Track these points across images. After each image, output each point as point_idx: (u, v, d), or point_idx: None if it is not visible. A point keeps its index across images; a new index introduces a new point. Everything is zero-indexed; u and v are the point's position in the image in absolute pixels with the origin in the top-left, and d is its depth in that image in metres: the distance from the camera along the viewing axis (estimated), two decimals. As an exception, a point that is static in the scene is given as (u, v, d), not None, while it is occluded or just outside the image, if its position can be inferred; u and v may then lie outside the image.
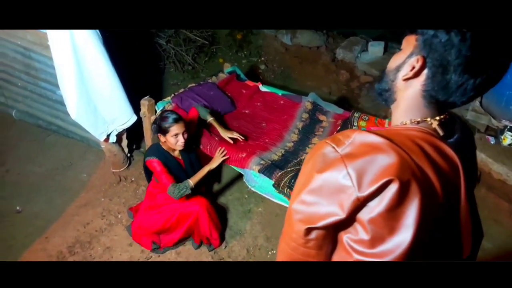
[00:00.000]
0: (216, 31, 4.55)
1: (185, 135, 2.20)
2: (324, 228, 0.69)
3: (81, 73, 2.38)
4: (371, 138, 0.68)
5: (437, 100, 0.76)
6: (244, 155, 2.35)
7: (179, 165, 2.34)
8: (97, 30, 2.32)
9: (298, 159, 2.45)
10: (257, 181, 2.26)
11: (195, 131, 2.49)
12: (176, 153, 2.35)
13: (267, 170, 2.22)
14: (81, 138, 3.13)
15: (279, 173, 2.18)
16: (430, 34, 0.72)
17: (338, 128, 2.77)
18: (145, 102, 2.66)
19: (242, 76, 3.38)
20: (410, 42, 0.77)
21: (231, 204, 2.84)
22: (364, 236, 0.66)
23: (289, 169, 2.25)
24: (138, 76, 3.62)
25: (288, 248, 0.74)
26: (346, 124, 2.77)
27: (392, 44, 4.42)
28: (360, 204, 0.65)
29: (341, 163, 0.66)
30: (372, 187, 0.63)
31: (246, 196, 2.91)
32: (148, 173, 2.44)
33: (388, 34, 5.09)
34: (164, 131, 2.17)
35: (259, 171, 2.23)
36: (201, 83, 3.06)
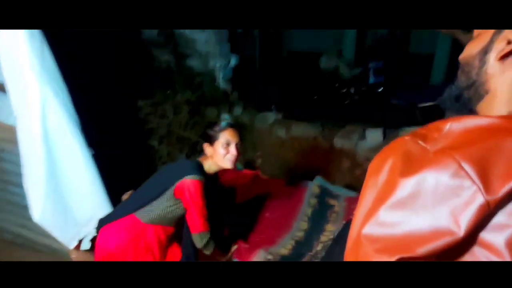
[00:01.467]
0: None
1: (238, 148, 1.79)
2: (426, 257, 0.45)
3: (51, 164, 2.06)
4: (481, 121, 0.49)
5: None
6: (246, 246, 1.91)
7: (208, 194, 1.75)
8: (75, 115, 2.08)
9: (313, 250, 2.00)
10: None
11: None
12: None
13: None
14: (51, 251, 2.65)
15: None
16: None
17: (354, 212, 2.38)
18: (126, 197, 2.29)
19: (239, 166, 3.11)
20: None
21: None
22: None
23: (304, 264, 1.79)
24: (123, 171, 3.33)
25: None
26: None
27: (390, 130, 4.30)
28: (489, 213, 0.43)
29: (445, 156, 0.44)
30: (507, 185, 0.42)
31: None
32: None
33: (385, 121, 5.05)
34: (213, 138, 1.74)
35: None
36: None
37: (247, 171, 2.97)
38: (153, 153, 3.91)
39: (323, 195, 2.56)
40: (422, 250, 0.44)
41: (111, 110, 3.55)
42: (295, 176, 3.93)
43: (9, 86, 1.92)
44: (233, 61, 5.44)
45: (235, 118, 4.88)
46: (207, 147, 1.76)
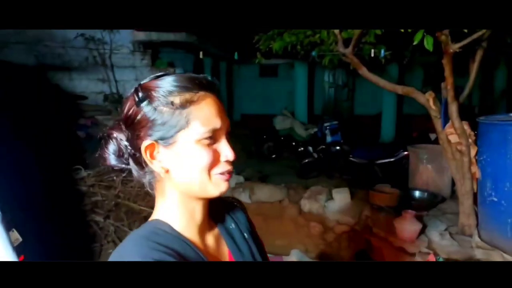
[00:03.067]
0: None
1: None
2: None
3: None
4: None
5: None
6: None
7: (195, 254, 0.75)
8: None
9: None
10: None
11: None
12: (193, 231, 0.75)
13: None
14: None
15: None
16: None
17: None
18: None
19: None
20: None
21: None
22: None
23: None
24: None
25: None
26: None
27: (356, 189, 4.16)
28: None
29: None
30: None
31: None
32: None
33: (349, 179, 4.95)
34: (168, 129, 0.69)
35: None
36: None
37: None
38: (96, 231, 3.37)
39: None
40: None
41: (45, 184, 3.06)
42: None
43: None
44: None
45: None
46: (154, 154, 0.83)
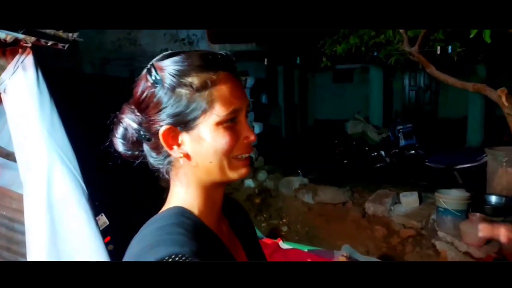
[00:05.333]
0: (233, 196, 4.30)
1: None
2: None
3: (53, 235, 1.95)
4: None
5: None
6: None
7: (219, 244, 0.74)
8: (81, 183, 2.01)
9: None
10: None
11: None
12: (213, 219, 0.72)
13: None
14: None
15: None
16: None
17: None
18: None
19: (260, 234, 2.88)
20: None
21: None
22: None
23: None
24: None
25: None
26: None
27: (427, 194, 3.96)
28: None
29: None
30: None
31: None
32: None
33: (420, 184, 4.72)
34: (188, 113, 0.66)
35: None
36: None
37: (268, 240, 2.73)
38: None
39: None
40: None
41: (122, 174, 3.53)
42: (322, 245, 3.61)
43: (18, 155, 1.91)
44: (257, 129, 5.48)
45: (259, 183, 4.73)
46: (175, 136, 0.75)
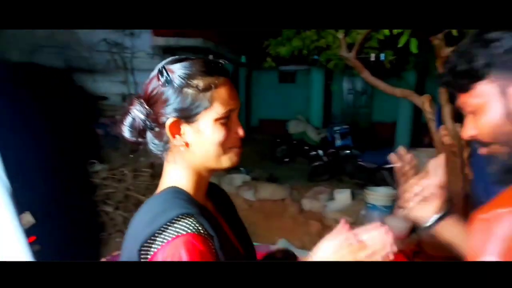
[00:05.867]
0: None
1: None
2: None
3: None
4: None
5: None
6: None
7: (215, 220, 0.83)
8: (4, 178, 1.86)
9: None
10: None
11: None
12: (201, 199, 0.84)
13: None
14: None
15: None
16: (504, 49, 0.65)
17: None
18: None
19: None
20: (481, 91, 0.68)
21: None
22: None
23: None
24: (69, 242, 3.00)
25: None
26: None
27: (359, 191, 4.23)
28: None
29: None
30: None
31: None
32: None
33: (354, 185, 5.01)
34: (192, 109, 0.77)
35: None
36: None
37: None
38: (105, 221, 3.62)
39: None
40: None
41: (61, 173, 3.34)
42: (262, 240, 3.69)
43: None
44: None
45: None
46: (175, 129, 0.80)
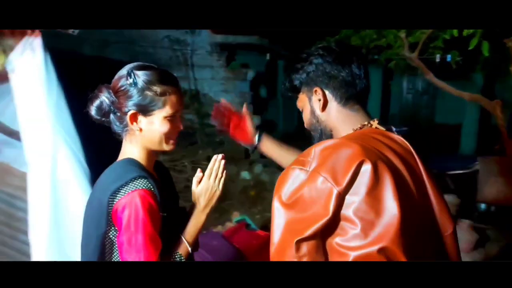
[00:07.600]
0: (228, 187, 4.37)
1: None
2: (314, 236, 0.72)
3: (56, 216, 2.01)
4: (329, 143, 0.81)
5: (351, 97, 0.95)
6: None
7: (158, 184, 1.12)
8: (85, 165, 2.07)
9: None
10: None
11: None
12: (149, 168, 1.12)
13: None
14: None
15: None
16: (305, 73, 0.96)
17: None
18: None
19: (253, 225, 2.96)
20: (301, 98, 1.01)
21: None
22: (354, 230, 0.71)
23: None
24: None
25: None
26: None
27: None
28: (341, 198, 0.72)
29: (315, 174, 0.75)
30: (347, 176, 0.72)
31: None
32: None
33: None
34: (149, 107, 1.03)
35: None
36: (204, 232, 2.63)
37: (262, 232, 2.81)
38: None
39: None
40: (309, 231, 0.71)
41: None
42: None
43: (23, 135, 1.95)
44: (255, 122, 5.53)
45: (255, 176, 4.81)
46: (133, 124, 1.06)
